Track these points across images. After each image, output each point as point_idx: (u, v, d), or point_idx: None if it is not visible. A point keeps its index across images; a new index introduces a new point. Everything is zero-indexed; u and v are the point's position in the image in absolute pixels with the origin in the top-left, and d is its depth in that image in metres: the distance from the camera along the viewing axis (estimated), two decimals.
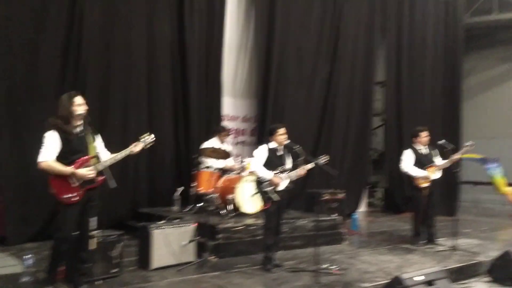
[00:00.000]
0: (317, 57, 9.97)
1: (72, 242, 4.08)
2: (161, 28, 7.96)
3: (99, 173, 4.12)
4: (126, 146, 4.36)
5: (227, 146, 7.72)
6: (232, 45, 9.26)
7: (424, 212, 6.98)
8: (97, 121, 6.95)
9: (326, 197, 8.39)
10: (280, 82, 9.33)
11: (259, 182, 5.30)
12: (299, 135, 9.17)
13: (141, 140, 4.37)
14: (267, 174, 5.27)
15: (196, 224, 5.66)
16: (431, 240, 7.07)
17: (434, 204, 7.12)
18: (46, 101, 6.53)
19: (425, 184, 6.90)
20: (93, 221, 4.13)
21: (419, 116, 11.49)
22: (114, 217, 7.22)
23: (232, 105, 9.50)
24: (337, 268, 5.29)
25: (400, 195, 11.14)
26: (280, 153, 5.46)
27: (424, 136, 7.02)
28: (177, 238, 5.41)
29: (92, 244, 4.05)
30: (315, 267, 5.08)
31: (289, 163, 5.53)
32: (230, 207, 6.78)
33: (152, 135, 4.41)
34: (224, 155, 6.95)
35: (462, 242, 7.28)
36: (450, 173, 7.48)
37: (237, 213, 6.75)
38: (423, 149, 7.06)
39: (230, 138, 8.36)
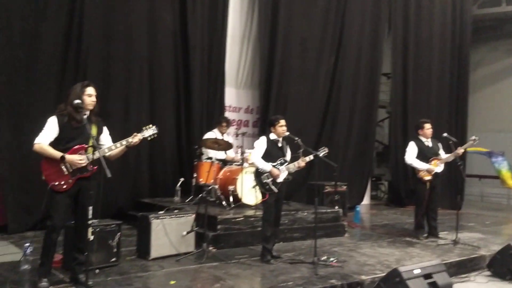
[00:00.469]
0: (321, 48, 9.88)
1: (59, 232, 4.07)
2: (163, 18, 7.93)
3: (93, 163, 4.09)
4: (126, 136, 4.34)
5: (228, 137, 7.70)
6: (235, 35, 9.22)
7: (427, 205, 6.94)
8: (99, 112, 6.98)
9: (328, 189, 8.35)
10: (283, 73, 9.28)
11: (258, 174, 5.28)
12: (302, 127, 9.18)
13: (142, 132, 4.31)
14: (266, 166, 5.25)
15: (195, 214, 5.66)
16: (433, 233, 7.04)
17: (437, 197, 7.07)
18: (46, 91, 6.56)
19: (428, 177, 6.85)
20: (88, 211, 4.10)
21: (425, 109, 11.41)
22: (115, 206, 7.26)
23: (235, 96, 9.49)
24: (335, 260, 5.27)
25: (404, 189, 11.10)
26: (280, 144, 5.44)
27: (427, 128, 6.96)
28: (177, 228, 5.42)
29: (88, 234, 4.02)
30: (313, 259, 5.07)
31: (289, 155, 5.51)
32: (230, 198, 6.78)
33: (155, 128, 4.35)
34: (225, 146, 6.93)
35: (464, 236, 7.25)
36: (454, 166, 7.42)
37: (237, 204, 6.75)
38: (427, 142, 7.00)
39: (231, 129, 8.34)
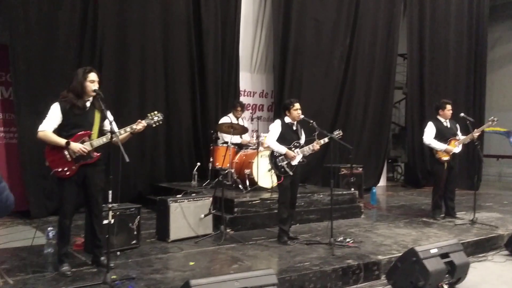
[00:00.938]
0: (336, 30, 9.79)
1: (71, 217, 4.13)
2: (177, 3, 7.93)
3: (97, 149, 4.11)
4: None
5: (243, 122, 7.74)
6: (248, 19, 9.18)
7: (444, 185, 6.92)
8: (114, 98, 7.09)
9: (344, 171, 8.36)
10: (297, 56, 9.24)
11: (273, 157, 5.32)
12: (318, 110, 9.17)
13: (146, 118, 4.25)
14: (281, 149, 5.28)
15: (212, 198, 5.74)
16: (450, 213, 7.03)
17: (455, 177, 7.05)
18: (63, 78, 6.61)
19: (446, 158, 6.82)
20: (98, 197, 4.17)
21: (442, 89, 11.28)
22: (134, 191, 7.40)
23: (249, 81, 9.49)
24: (352, 241, 5.31)
25: (421, 170, 11.05)
26: (294, 128, 5.46)
27: (448, 109, 6.92)
28: (194, 211, 5.52)
29: (108, 217, 4.09)
30: (330, 240, 5.12)
31: (303, 138, 5.53)
32: (247, 181, 6.84)
33: (160, 114, 4.29)
34: (241, 130, 6.98)
35: (482, 216, 7.22)
36: (471, 147, 7.37)
37: (254, 187, 6.81)
38: (446, 123, 6.95)
39: (246, 114, 8.37)
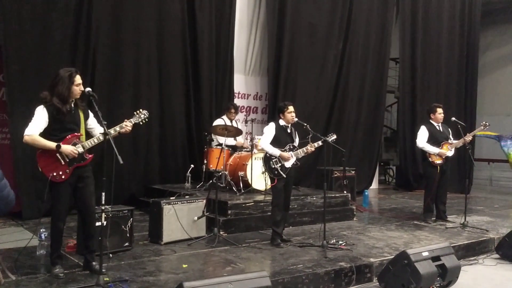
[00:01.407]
0: (329, 33, 9.86)
1: (64, 220, 4.11)
2: (171, 5, 7.94)
3: (88, 150, 4.10)
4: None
5: (237, 124, 7.76)
6: (243, 21, 9.21)
7: (437, 189, 6.98)
8: (107, 99, 7.08)
9: (337, 174, 8.41)
10: (291, 59, 9.28)
11: (267, 159, 5.35)
12: (311, 112, 9.23)
13: (133, 117, 4.25)
14: (275, 151, 5.31)
15: (206, 200, 5.74)
16: (441, 217, 7.10)
17: (447, 181, 7.11)
18: None
19: (439, 161, 6.88)
20: (90, 198, 4.15)
21: (434, 93, 11.38)
22: (126, 193, 7.38)
23: (243, 83, 9.51)
24: (344, 244, 5.35)
25: (412, 173, 11.13)
26: (289, 130, 5.48)
27: (439, 112, 6.99)
28: (188, 213, 5.52)
29: (101, 219, 4.07)
30: (322, 242, 5.16)
31: (297, 140, 5.56)
32: (240, 184, 6.86)
33: (145, 112, 4.29)
34: (235, 132, 6.99)
35: (473, 219, 7.29)
36: (463, 150, 7.44)
37: (247, 189, 6.83)
38: (438, 126, 7.03)
39: (240, 116, 8.39)
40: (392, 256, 4.62)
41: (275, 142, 5.37)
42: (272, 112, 8.79)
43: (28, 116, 6.27)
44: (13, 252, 4.79)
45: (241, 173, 6.92)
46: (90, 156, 4.13)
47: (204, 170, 7.33)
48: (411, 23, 11.19)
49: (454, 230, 6.52)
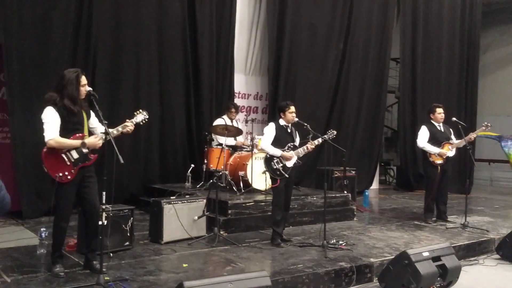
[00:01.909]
0: (330, 33, 9.85)
1: (68, 219, 4.13)
2: (172, 5, 7.94)
3: (92, 150, 4.10)
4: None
5: (237, 124, 7.76)
6: (243, 21, 9.20)
7: (437, 189, 6.97)
8: (107, 99, 7.08)
9: (337, 174, 8.40)
10: (292, 59, 9.28)
11: (268, 160, 5.34)
12: (311, 112, 9.23)
13: (134, 117, 4.27)
14: (276, 151, 5.30)
15: (206, 199, 5.74)
16: (442, 217, 7.09)
17: (447, 181, 7.11)
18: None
19: (440, 161, 6.87)
20: (94, 197, 4.15)
21: (434, 93, 11.37)
22: (127, 192, 7.38)
23: (244, 83, 9.51)
24: (344, 244, 5.34)
25: (413, 173, 11.13)
26: (289, 130, 5.48)
27: (439, 112, 6.98)
28: (188, 213, 5.52)
29: (101, 219, 4.06)
30: (323, 242, 5.16)
31: (298, 140, 5.56)
32: (241, 183, 6.86)
33: (145, 113, 4.31)
34: (235, 132, 6.99)
35: (474, 219, 7.28)
36: (463, 150, 7.43)
37: (248, 189, 6.83)
38: (439, 126, 7.02)
39: (240, 116, 8.39)
40: (393, 256, 4.62)
41: (276, 142, 5.36)
42: (273, 112, 8.79)
43: (28, 116, 6.37)
44: (12, 252, 4.79)
45: (241, 173, 6.91)
46: (94, 156, 4.15)
47: (204, 169, 7.33)
48: (412, 23, 11.18)
49: (454, 230, 6.51)
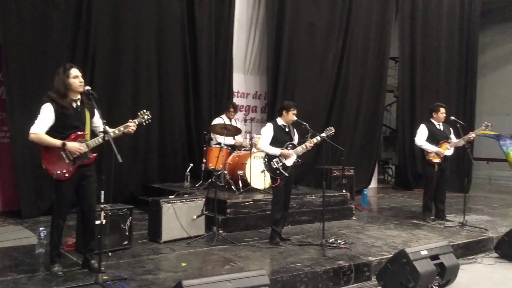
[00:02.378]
0: (329, 32, 9.85)
1: (65, 218, 4.12)
2: (171, 4, 7.93)
3: (93, 150, 4.09)
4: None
5: (236, 123, 7.76)
6: (242, 21, 9.20)
7: (435, 188, 6.98)
8: (107, 98, 7.08)
9: (336, 173, 8.41)
10: (291, 58, 9.28)
11: (268, 160, 5.34)
12: (310, 112, 9.22)
13: (137, 117, 4.24)
14: (275, 151, 5.31)
15: (205, 199, 5.75)
16: (440, 216, 7.10)
17: (446, 180, 7.11)
18: None
19: (437, 160, 6.88)
20: (92, 197, 4.14)
21: (433, 93, 11.38)
22: (126, 191, 7.39)
23: (243, 82, 9.52)
24: (343, 242, 5.35)
25: (411, 172, 11.14)
26: (287, 129, 5.48)
27: (442, 112, 7.00)
28: (187, 212, 5.52)
29: (100, 218, 4.06)
30: (321, 241, 5.16)
31: (296, 138, 5.56)
32: (239, 183, 6.86)
33: (149, 113, 4.26)
34: (234, 131, 7.00)
35: (472, 218, 7.30)
36: (461, 149, 7.44)
37: (246, 188, 6.83)
38: (439, 125, 7.03)
39: (239, 115, 8.39)
40: (391, 255, 4.62)
41: (274, 142, 5.37)
42: (271, 112, 8.80)
43: (27, 115, 6.35)
44: (11, 251, 4.79)
45: (240, 172, 6.92)
46: (94, 155, 4.14)
47: (203, 169, 7.33)
48: (411, 22, 11.18)
49: (453, 229, 6.52)
